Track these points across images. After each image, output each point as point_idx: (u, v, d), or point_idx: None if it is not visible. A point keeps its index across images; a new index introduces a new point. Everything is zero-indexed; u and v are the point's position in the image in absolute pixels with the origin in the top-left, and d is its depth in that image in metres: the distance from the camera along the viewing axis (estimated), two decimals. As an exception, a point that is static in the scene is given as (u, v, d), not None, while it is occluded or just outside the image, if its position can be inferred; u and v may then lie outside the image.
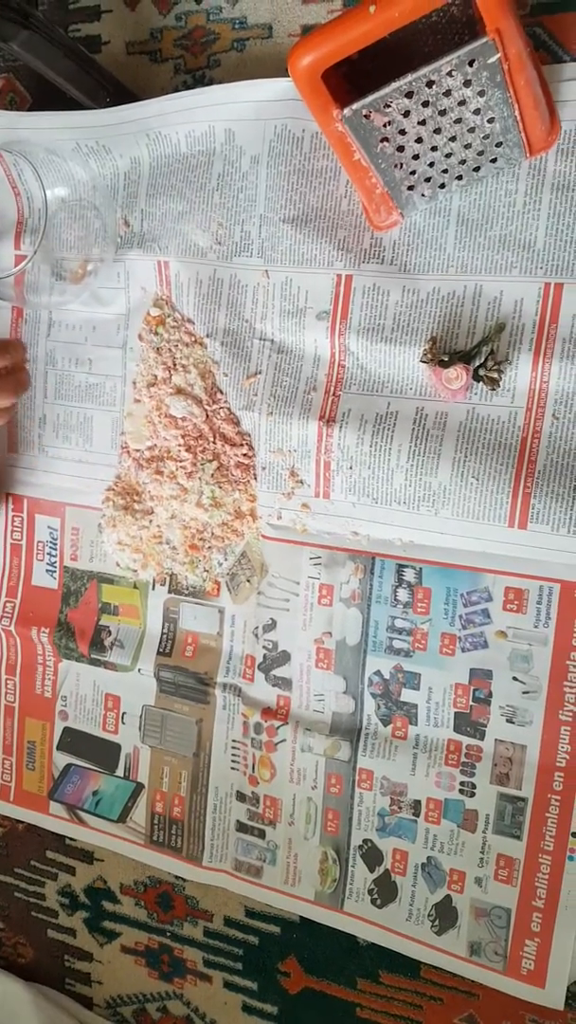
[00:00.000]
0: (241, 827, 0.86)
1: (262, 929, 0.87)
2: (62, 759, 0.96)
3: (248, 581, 0.84)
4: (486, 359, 0.72)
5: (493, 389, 0.72)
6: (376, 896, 0.80)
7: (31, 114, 0.87)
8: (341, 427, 0.77)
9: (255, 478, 0.82)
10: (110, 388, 0.90)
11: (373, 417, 0.76)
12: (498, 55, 0.58)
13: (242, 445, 0.82)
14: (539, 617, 0.73)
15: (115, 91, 0.82)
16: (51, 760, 0.96)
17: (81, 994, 0.97)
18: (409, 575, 0.78)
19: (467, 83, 0.60)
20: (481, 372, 0.72)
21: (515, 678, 0.74)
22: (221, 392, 0.83)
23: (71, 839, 0.96)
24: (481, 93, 0.61)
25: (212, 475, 0.83)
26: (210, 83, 0.82)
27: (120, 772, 0.92)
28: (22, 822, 0.99)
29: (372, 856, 0.81)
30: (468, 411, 0.73)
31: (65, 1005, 0.95)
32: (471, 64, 0.59)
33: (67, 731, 0.95)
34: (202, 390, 0.83)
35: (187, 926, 0.91)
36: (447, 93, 0.61)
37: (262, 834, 0.85)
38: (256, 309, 0.81)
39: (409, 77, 0.60)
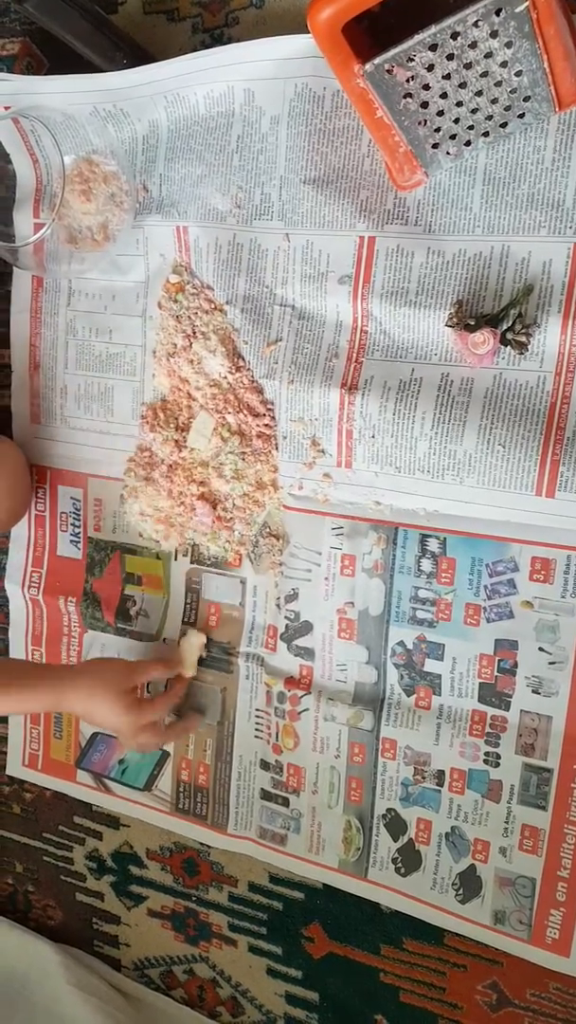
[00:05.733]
0: (265, 795, 0.87)
1: (286, 895, 0.88)
2: (89, 728, 0.97)
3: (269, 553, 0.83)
4: (514, 322, 0.70)
5: (521, 353, 0.70)
6: (400, 865, 0.81)
7: (47, 78, 0.86)
8: (363, 395, 0.76)
9: (276, 448, 0.81)
10: (130, 357, 0.89)
11: (396, 384, 0.75)
12: (526, 3, 0.56)
13: (264, 415, 0.81)
14: (566, 587, 0.72)
15: (132, 52, 0.81)
16: (78, 729, 0.98)
17: (109, 956, 0.99)
18: (433, 545, 0.77)
19: (494, 34, 0.58)
20: (508, 336, 0.70)
21: (541, 648, 0.74)
22: (243, 359, 0.82)
23: (98, 806, 0.97)
24: (508, 44, 0.59)
25: (234, 448, 0.82)
26: (228, 42, 0.80)
27: (145, 740, 0.93)
28: (50, 789, 1.00)
29: (396, 825, 0.81)
30: (495, 376, 0.72)
31: (94, 967, 0.97)
32: (498, 13, 0.57)
33: (93, 700, 0.96)
34: (223, 356, 0.82)
35: (212, 891, 0.92)
36: (473, 45, 0.59)
37: (286, 802, 0.86)
38: (276, 274, 0.79)
39: (433, 29, 0.58)
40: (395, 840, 0.81)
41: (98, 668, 0.85)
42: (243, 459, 0.83)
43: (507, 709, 0.75)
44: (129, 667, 0.85)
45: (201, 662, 0.89)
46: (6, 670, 0.85)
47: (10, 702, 0.81)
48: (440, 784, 0.79)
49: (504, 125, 0.66)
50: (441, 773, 0.78)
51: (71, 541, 0.96)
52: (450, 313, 0.72)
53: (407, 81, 0.61)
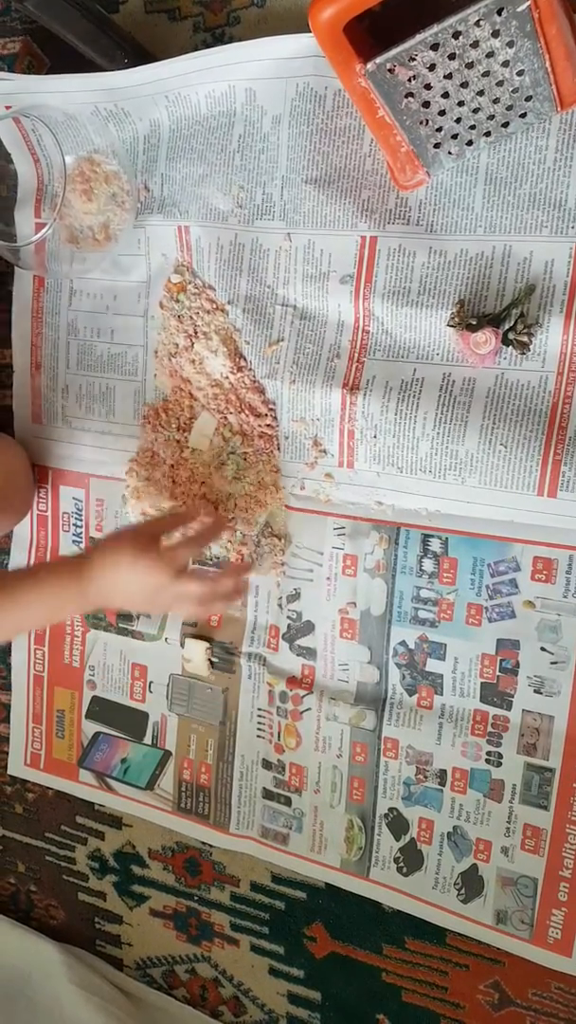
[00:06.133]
0: (267, 794, 0.87)
1: (288, 895, 0.88)
2: (91, 727, 0.97)
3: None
4: (516, 322, 0.70)
5: (523, 353, 0.70)
6: (402, 864, 0.81)
7: (49, 78, 0.86)
8: (365, 395, 0.76)
9: (278, 448, 0.81)
10: (132, 358, 0.89)
11: (398, 384, 0.75)
12: (528, 2, 0.56)
13: (266, 415, 0.81)
14: (568, 587, 0.72)
15: (133, 52, 0.80)
16: (80, 728, 0.98)
17: (111, 955, 0.99)
18: (435, 545, 0.77)
19: (495, 33, 0.58)
20: (510, 336, 0.70)
21: (543, 648, 0.73)
22: (245, 359, 0.82)
23: (100, 805, 0.98)
24: (510, 44, 0.59)
25: (236, 448, 0.82)
26: (230, 41, 0.80)
27: (148, 740, 0.93)
28: (52, 788, 1.00)
29: (398, 825, 0.81)
30: (497, 376, 0.72)
31: (96, 966, 0.97)
32: (500, 13, 0.56)
33: (95, 700, 0.96)
34: (225, 356, 0.82)
35: (214, 891, 0.92)
36: (474, 44, 0.59)
37: (288, 802, 0.86)
38: (278, 274, 0.79)
39: (435, 28, 0.58)
40: (397, 840, 0.81)
41: (107, 542, 0.75)
42: (245, 459, 0.83)
43: (509, 709, 0.75)
44: (140, 525, 0.79)
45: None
46: (13, 579, 0.75)
47: (35, 610, 0.72)
48: (442, 784, 0.79)
49: (506, 125, 0.66)
50: (443, 773, 0.78)
51: (73, 541, 0.96)
52: (452, 313, 0.72)
53: (409, 80, 0.61)
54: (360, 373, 0.76)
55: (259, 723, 0.87)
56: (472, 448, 0.72)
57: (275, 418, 0.81)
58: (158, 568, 0.70)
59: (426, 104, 0.63)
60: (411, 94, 0.62)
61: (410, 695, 0.79)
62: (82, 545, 0.95)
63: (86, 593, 0.71)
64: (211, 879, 0.92)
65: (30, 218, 0.91)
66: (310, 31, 0.61)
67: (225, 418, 0.83)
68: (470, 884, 0.78)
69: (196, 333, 0.83)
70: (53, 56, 0.90)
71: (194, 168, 0.81)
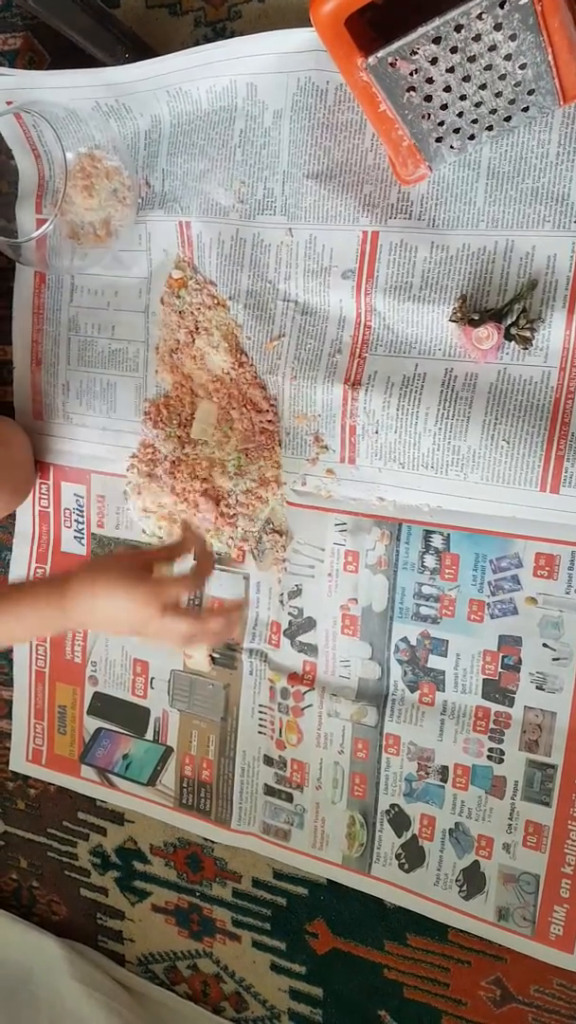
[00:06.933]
0: (269, 791, 0.87)
1: (290, 891, 0.88)
2: (93, 723, 0.97)
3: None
4: (518, 317, 0.70)
5: (525, 348, 0.70)
6: (404, 861, 0.81)
7: (49, 73, 0.86)
8: (367, 390, 0.75)
9: (279, 444, 0.81)
10: (133, 353, 0.89)
11: (400, 379, 0.74)
12: (530, -5, 0.55)
13: (267, 411, 0.81)
14: (571, 583, 0.72)
15: (134, 47, 0.80)
16: (82, 724, 0.98)
17: (113, 951, 0.99)
18: (437, 541, 0.76)
19: (498, 26, 0.57)
20: (513, 331, 0.70)
21: (545, 644, 0.73)
22: (246, 355, 0.82)
23: (102, 801, 0.98)
24: (512, 37, 0.58)
25: (237, 443, 0.82)
26: (231, 36, 0.80)
27: (149, 736, 0.93)
28: (54, 784, 1.00)
29: (399, 821, 0.81)
30: (499, 372, 0.71)
31: (98, 962, 0.98)
32: (502, 6, 0.56)
33: (97, 696, 0.96)
34: (226, 352, 0.82)
35: (216, 887, 0.92)
36: (476, 38, 0.58)
37: (289, 798, 0.86)
38: (279, 269, 0.79)
39: (436, 21, 0.57)
40: (399, 836, 0.81)
41: (96, 563, 0.73)
42: (246, 455, 0.83)
43: (511, 705, 0.75)
44: (132, 552, 0.76)
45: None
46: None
47: (11, 625, 0.69)
48: (444, 780, 0.78)
49: (508, 119, 0.66)
50: (445, 769, 0.78)
51: (75, 537, 0.96)
52: (454, 308, 0.72)
53: (410, 74, 0.61)
54: (362, 368, 0.76)
55: (260, 719, 0.87)
56: (474, 444, 0.72)
57: (276, 414, 0.81)
58: (145, 599, 0.66)
59: (428, 98, 0.63)
60: (413, 88, 0.62)
61: (412, 691, 0.79)
62: (83, 543, 0.95)
63: (67, 612, 0.68)
64: (213, 875, 0.92)
65: (31, 214, 0.91)
66: (311, 25, 0.61)
67: (227, 413, 0.83)
68: (472, 880, 0.78)
69: (197, 329, 0.83)
70: (54, 52, 0.90)
71: (195, 163, 0.81)
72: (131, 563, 0.69)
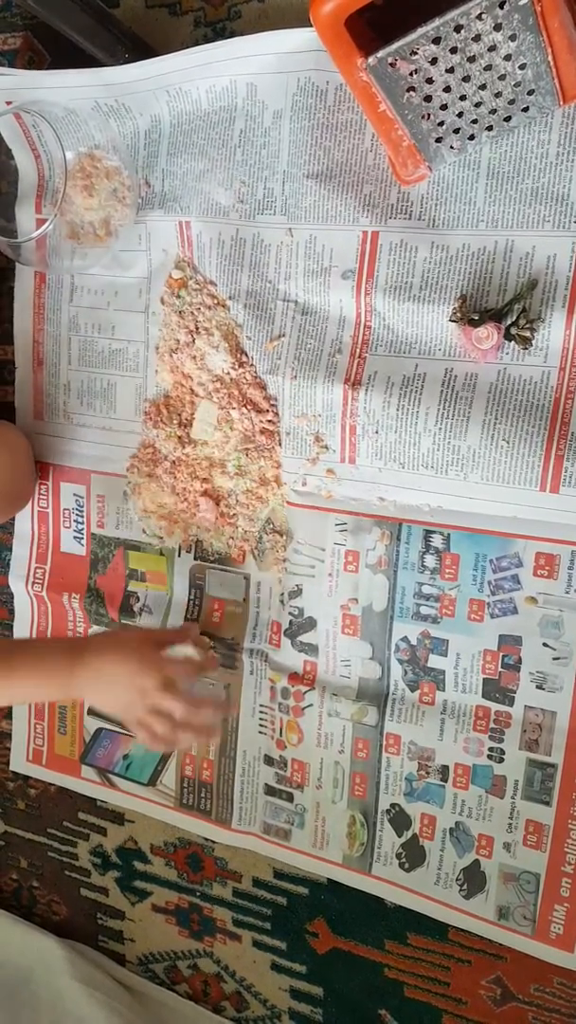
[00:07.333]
0: (269, 790, 0.87)
1: (290, 890, 0.88)
2: (93, 723, 0.97)
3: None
4: (518, 317, 0.70)
5: (525, 348, 0.70)
6: (404, 860, 0.81)
7: (49, 73, 0.86)
8: (367, 390, 0.75)
9: (280, 444, 0.81)
10: (133, 354, 0.89)
11: (400, 379, 0.75)
12: (530, -5, 0.55)
13: (267, 411, 0.81)
14: (571, 583, 0.72)
15: (133, 46, 0.80)
16: (82, 724, 0.98)
17: (114, 951, 0.99)
18: (437, 541, 0.77)
19: (497, 27, 0.57)
20: (513, 331, 0.70)
21: (545, 644, 0.73)
22: (246, 355, 0.82)
23: (102, 801, 0.98)
24: (512, 37, 0.58)
25: (237, 444, 0.82)
26: (230, 36, 0.80)
27: (149, 736, 0.93)
28: (54, 784, 1.01)
29: (400, 820, 0.81)
30: (499, 371, 0.71)
31: (98, 961, 0.98)
32: (502, 6, 0.56)
33: (97, 696, 0.96)
34: (226, 352, 0.82)
35: (216, 886, 0.92)
36: (476, 38, 0.58)
37: (290, 797, 0.86)
38: (279, 269, 0.79)
39: (436, 22, 0.57)
40: (399, 835, 0.81)
41: (107, 636, 0.81)
42: (246, 455, 0.83)
43: (511, 705, 0.75)
44: (148, 631, 0.84)
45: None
46: (6, 651, 0.78)
47: (16, 688, 0.75)
48: (444, 779, 0.78)
49: (508, 119, 0.66)
50: (445, 768, 0.78)
51: (74, 537, 0.96)
52: (454, 308, 0.72)
53: (410, 75, 0.61)
54: (362, 368, 0.76)
55: (261, 719, 0.87)
56: (474, 444, 0.72)
57: (276, 414, 0.81)
58: (149, 670, 0.73)
59: (428, 98, 0.63)
60: (413, 88, 0.62)
61: (412, 691, 0.79)
62: (83, 543, 0.95)
63: (73, 678, 0.74)
64: (213, 875, 0.92)
65: (31, 214, 0.91)
66: (311, 25, 0.61)
67: (227, 413, 0.83)
68: (472, 880, 0.78)
69: (197, 329, 0.83)
70: (54, 51, 0.90)
71: (195, 163, 0.81)
72: (145, 638, 0.78)
